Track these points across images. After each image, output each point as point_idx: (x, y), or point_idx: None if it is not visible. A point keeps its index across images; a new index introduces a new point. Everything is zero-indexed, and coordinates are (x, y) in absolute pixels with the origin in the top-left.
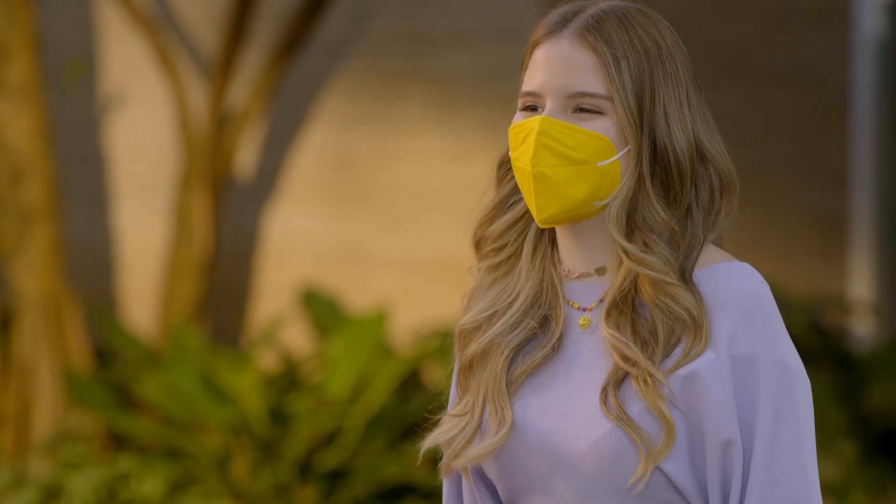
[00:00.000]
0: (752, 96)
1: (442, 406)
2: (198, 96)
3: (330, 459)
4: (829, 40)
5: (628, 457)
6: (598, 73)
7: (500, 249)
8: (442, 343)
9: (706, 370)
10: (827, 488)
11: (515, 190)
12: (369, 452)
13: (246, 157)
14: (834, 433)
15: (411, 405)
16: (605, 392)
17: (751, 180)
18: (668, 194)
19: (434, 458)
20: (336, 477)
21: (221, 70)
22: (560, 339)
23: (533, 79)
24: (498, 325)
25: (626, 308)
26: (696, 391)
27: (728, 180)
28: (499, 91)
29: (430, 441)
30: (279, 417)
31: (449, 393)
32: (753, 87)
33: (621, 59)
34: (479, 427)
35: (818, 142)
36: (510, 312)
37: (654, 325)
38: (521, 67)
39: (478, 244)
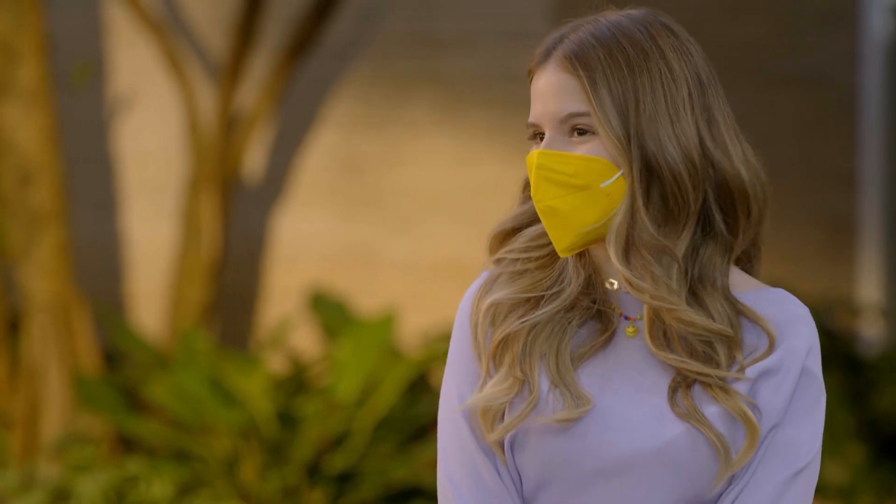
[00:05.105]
0: (759, 98)
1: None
2: (206, 99)
3: (338, 462)
4: (836, 42)
5: (700, 458)
6: (581, 95)
7: (540, 247)
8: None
9: (780, 371)
10: (835, 491)
11: None
12: (377, 455)
13: (254, 159)
14: (842, 436)
15: (419, 408)
16: (674, 393)
17: None
18: (667, 206)
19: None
20: (344, 480)
21: (230, 73)
22: (613, 334)
23: (533, 109)
24: (557, 303)
25: (662, 323)
26: (766, 390)
27: (736, 185)
28: (506, 94)
29: (479, 400)
30: (287, 420)
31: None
32: (760, 89)
33: (599, 80)
34: (537, 398)
35: (826, 144)
36: (566, 293)
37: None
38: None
39: (503, 240)
